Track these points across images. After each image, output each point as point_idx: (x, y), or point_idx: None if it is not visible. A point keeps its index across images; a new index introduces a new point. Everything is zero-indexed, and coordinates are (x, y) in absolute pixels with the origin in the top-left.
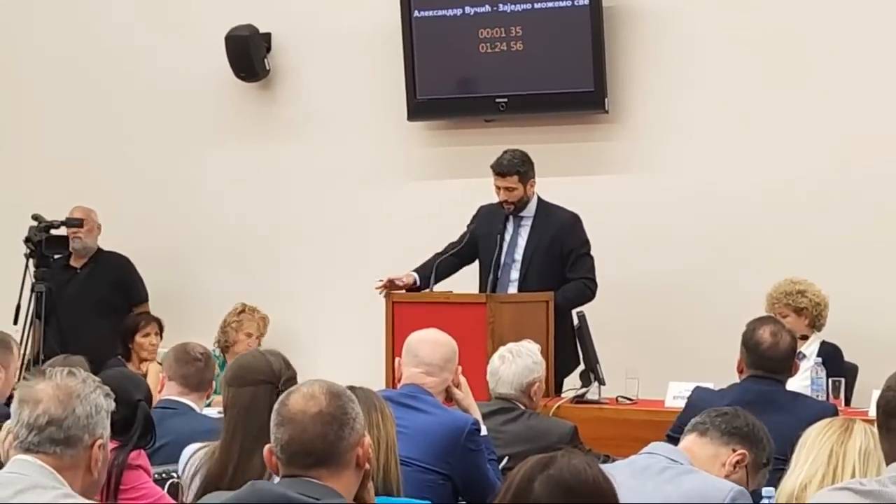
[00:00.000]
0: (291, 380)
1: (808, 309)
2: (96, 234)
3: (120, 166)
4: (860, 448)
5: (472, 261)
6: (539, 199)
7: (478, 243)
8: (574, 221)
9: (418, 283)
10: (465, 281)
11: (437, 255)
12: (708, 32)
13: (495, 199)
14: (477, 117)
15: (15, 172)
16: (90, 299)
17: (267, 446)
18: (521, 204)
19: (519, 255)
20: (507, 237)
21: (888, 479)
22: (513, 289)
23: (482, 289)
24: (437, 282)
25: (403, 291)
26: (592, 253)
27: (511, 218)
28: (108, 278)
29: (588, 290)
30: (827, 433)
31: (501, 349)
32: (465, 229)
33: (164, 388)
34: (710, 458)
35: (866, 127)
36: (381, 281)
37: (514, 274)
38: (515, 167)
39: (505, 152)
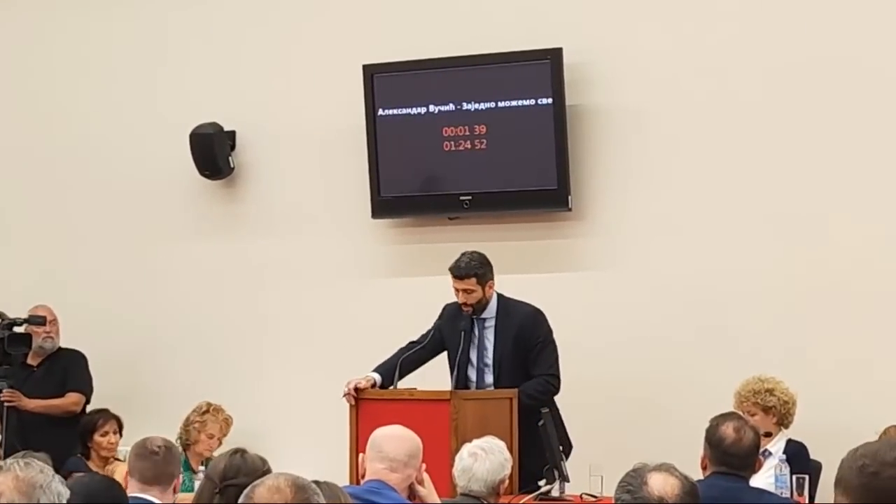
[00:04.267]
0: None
1: (776, 408)
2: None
3: (83, 263)
4: None
5: (433, 356)
6: (499, 296)
7: (444, 342)
8: (535, 315)
9: (378, 383)
10: (431, 376)
11: (401, 351)
12: (671, 130)
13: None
14: (441, 215)
15: None
16: (45, 398)
17: None
18: (480, 306)
19: (489, 360)
20: (476, 341)
21: None
22: None
23: (457, 388)
24: (401, 377)
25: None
26: (557, 346)
27: (475, 321)
28: (60, 375)
29: (551, 386)
30: None
31: (469, 446)
32: (430, 327)
33: (127, 486)
34: None
35: (836, 223)
36: (346, 389)
37: (489, 378)
38: (473, 269)
39: (463, 254)
